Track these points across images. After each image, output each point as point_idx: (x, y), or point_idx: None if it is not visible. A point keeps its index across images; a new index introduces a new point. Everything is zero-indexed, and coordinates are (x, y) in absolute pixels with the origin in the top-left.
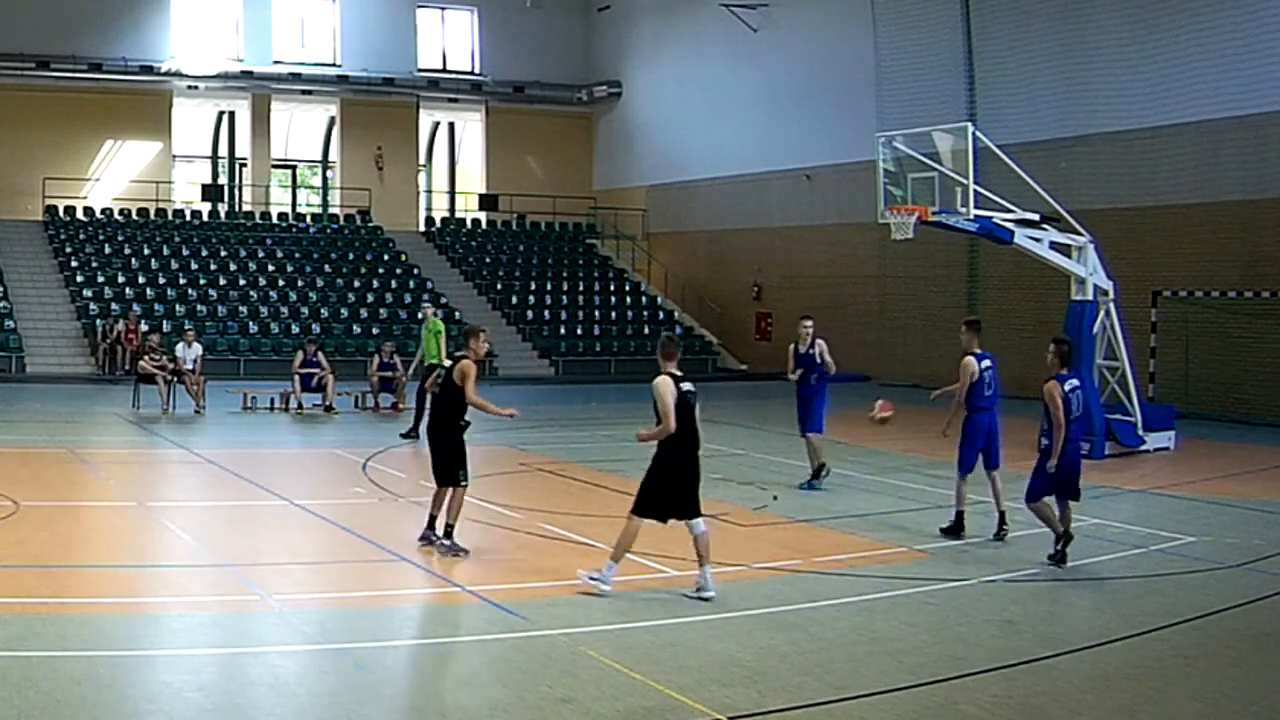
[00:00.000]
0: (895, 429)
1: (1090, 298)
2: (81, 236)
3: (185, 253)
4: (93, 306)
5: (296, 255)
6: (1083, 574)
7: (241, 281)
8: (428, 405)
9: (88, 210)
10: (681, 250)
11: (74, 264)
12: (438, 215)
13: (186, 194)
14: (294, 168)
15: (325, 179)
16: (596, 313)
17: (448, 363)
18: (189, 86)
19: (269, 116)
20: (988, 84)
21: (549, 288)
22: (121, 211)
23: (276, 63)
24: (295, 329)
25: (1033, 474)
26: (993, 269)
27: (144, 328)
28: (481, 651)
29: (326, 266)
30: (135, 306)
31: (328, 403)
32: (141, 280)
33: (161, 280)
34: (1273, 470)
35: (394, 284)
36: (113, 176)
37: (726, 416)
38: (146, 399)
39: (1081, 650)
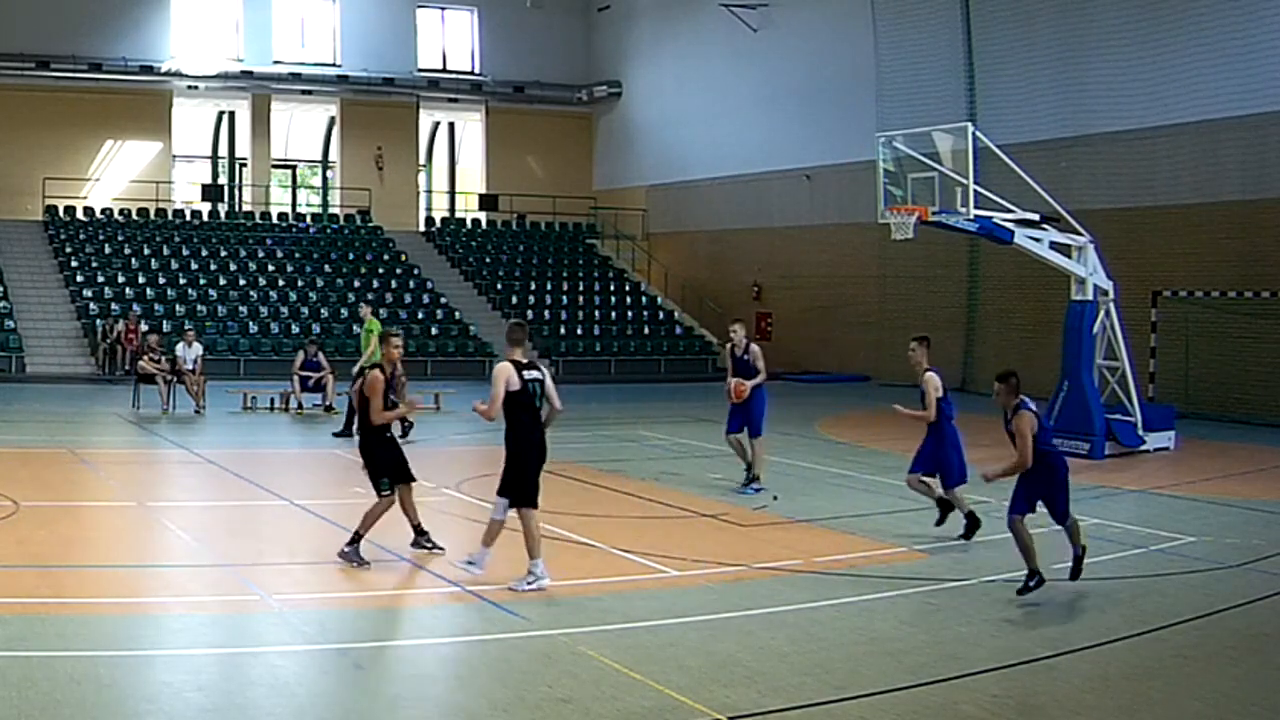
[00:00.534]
0: (895, 429)
1: (1090, 298)
2: (81, 236)
3: (185, 253)
4: (93, 306)
5: (296, 255)
6: (1083, 574)
7: (241, 281)
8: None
9: (88, 210)
10: (681, 250)
11: (74, 264)
12: (438, 215)
13: (186, 194)
14: (294, 168)
15: (325, 179)
16: (596, 313)
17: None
18: (189, 86)
19: (269, 116)
20: (988, 84)
21: (549, 288)
22: (121, 211)
23: (276, 63)
24: (295, 329)
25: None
26: (993, 269)
27: (144, 328)
28: (481, 651)
29: (326, 266)
30: (135, 306)
31: (328, 403)
32: (141, 280)
33: (161, 280)
34: (1273, 470)
35: (394, 284)
36: (113, 176)
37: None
38: (146, 399)
39: (1081, 650)
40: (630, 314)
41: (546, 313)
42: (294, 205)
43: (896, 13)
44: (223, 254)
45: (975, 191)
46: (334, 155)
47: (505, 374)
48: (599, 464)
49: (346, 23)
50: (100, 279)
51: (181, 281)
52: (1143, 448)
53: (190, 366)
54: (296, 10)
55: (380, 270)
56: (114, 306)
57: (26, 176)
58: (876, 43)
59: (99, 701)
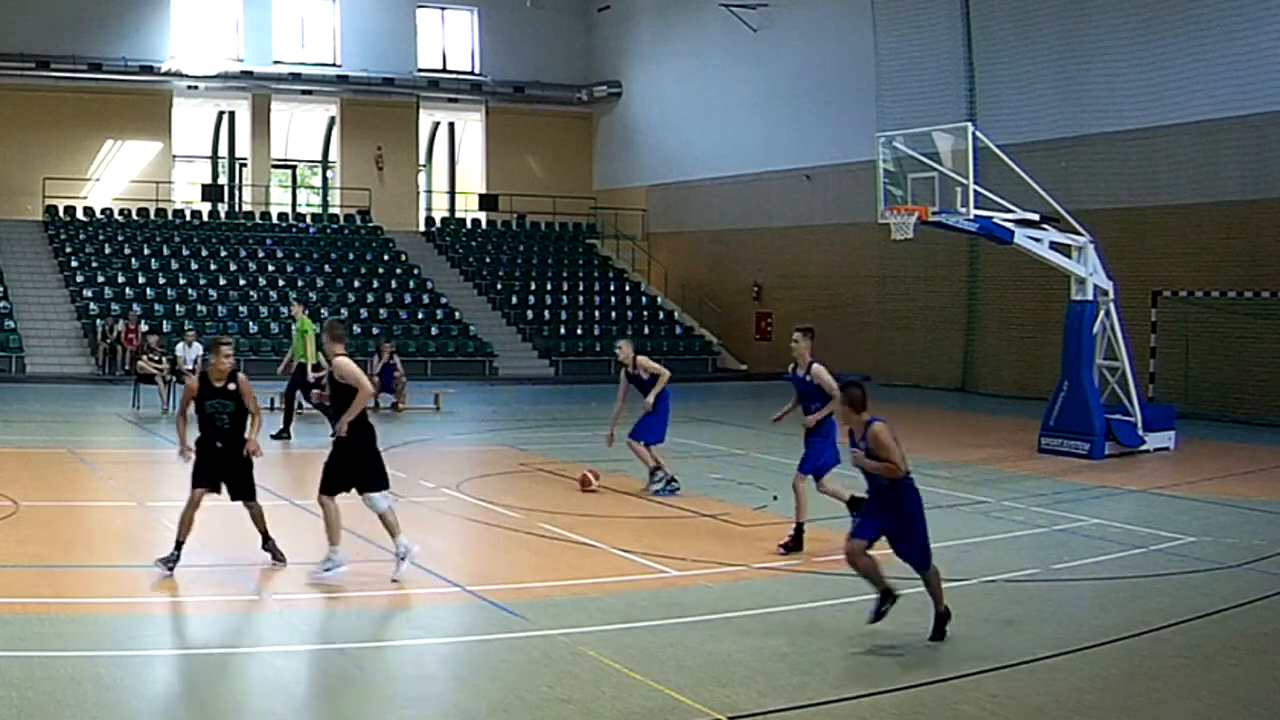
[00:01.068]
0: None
1: (1090, 298)
2: (81, 236)
3: (185, 253)
4: (93, 306)
5: (296, 255)
6: (1083, 574)
7: (241, 281)
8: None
9: (88, 210)
10: (681, 250)
11: (74, 264)
12: (438, 215)
13: (186, 194)
14: (294, 168)
15: (325, 179)
16: (596, 313)
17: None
18: (189, 86)
19: (269, 116)
20: (988, 84)
21: (549, 288)
22: (121, 211)
23: (276, 63)
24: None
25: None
26: (993, 269)
27: (144, 328)
28: (481, 651)
29: (326, 266)
30: (135, 306)
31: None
32: (141, 280)
33: (161, 280)
34: (1273, 470)
35: (394, 284)
36: (113, 176)
37: (726, 417)
38: (146, 399)
39: (1081, 650)
40: (630, 314)
41: (546, 313)
42: (294, 205)
43: (896, 13)
44: (223, 254)
45: (975, 191)
46: (334, 155)
47: (353, 364)
48: (599, 464)
49: (346, 23)
50: (100, 279)
51: (181, 281)
52: (1143, 448)
53: (190, 367)
54: (296, 10)
55: (380, 270)
56: (114, 306)
57: (26, 176)
58: (876, 43)
59: (99, 701)
